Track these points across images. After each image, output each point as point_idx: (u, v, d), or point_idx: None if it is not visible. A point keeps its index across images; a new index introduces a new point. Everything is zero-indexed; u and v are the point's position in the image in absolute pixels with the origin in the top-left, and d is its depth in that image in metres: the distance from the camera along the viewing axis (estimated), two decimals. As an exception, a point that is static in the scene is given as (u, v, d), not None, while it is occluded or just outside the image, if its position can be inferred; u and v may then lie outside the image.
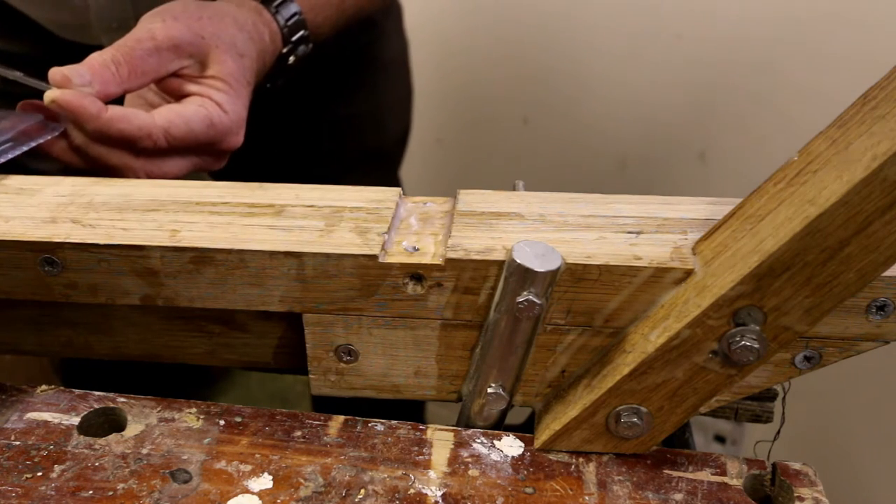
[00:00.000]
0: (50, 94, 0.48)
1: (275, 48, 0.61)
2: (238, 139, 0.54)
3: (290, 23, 0.61)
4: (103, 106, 0.49)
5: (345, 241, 0.39)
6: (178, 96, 0.54)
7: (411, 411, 0.92)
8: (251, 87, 0.57)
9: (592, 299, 0.38)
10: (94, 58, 0.50)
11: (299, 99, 0.78)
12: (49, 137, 0.49)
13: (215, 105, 0.53)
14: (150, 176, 0.52)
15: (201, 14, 0.54)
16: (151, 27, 0.52)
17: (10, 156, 0.47)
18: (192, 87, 0.54)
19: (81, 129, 0.49)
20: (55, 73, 0.49)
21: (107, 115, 0.49)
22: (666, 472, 0.39)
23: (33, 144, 0.48)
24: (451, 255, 0.38)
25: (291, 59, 0.63)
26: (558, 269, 0.36)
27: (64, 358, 0.94)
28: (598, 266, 0.37)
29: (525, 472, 0.39)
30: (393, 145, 0.91)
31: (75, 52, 0.56)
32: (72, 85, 0.49)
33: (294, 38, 0.62)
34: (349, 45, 0.78)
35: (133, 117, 0.50)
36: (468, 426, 0.42)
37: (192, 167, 0.54)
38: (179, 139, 0.51)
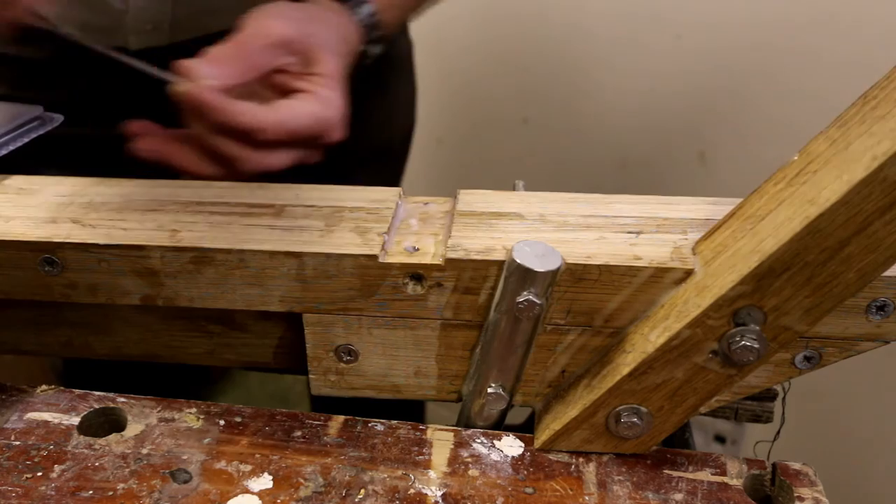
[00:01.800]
0: (179, 86, 0.50)
1: (356, 48, 0.63)
2: (339, 133, 0.57)
3: (367, 23, 0.64)
4: (227, 99, 0.51)
5: (345, 241, 0.39)
6: (285, 91, 0.56)
7: (412, 411, 0.92)
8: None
9: (592, 299, 0.38)
10: (214, 52, 0.53)
11: None
12: (48, 129, 0.49)
13: (322, 101, 0.55)
14: (259, 167, 0.53)
15: (305, 15, 0.58)
16: (265, 24, 0.55)
17: (10, 147, 0.47)
18: (299, 84, 0.56)
19: (203, 120, 0.51)
20: (181, 65, 0.51)
21: (230, 108, 0.51)
22: (666, 472, 0.39)
23: (34, 136, 0.48)
24: (451, 255, 0.38)
25: (367, 59, 0.65)
26: (558, 269, 0.36)
27: (65, 359, 0.94)
28: (598, 266, 0.37)
29: (525, 472, 0.39)
30: (400, 143, 0.92)
31: (83, 54, 0.58)
32: (197, 78, 0.51)
33: (371, 38, 0.65)
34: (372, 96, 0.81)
35: (253, 111, 0.52)
36: (468, 426, 0.42)
37: (295, 159, 0.56)
38: (291, 133, 0.53)
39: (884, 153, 0.30)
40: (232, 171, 0.53)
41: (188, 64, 0.51)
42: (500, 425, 0.42)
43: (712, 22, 1.12)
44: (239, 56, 0.53)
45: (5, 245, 0.40)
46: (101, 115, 0.78)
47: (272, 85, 0.56)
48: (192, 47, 0.71)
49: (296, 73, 0.56)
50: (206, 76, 0.51)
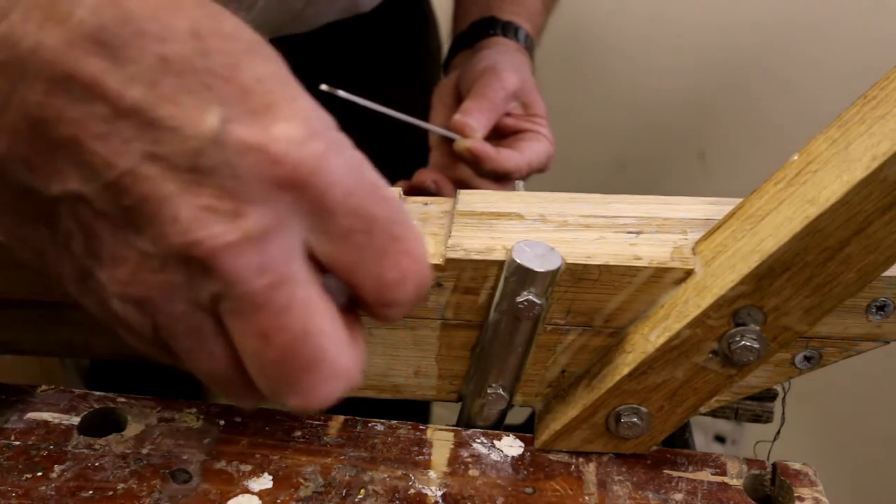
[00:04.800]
0: (463, 143, 0.62)
1: None
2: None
3: (526, 45, 0.73)
4: (495, 149, 0.62)
5: None
6: (510, 131, 0.67)
7: (416, 411, 0.93)
8: None
9: (592, 299, 0.38)
10: (473, 107, 0.63)
11: (363, 88, 0.81)
12: None
13: (549, 140, 0.66)
14: None
15: (518, 62, 0.69)
16: (503, 77, 0.65)
17: None
18: (525, 125, 0.67)
19: (476, 167, 0.62)
20: (458, 123, 0.62)
21: (499, 157, 0.61)
22: (666, 472, 0.39)
23: None
24: (451, 255, 0.38)
25: None
26: (558, 269, 0.36)
27: (92, 360, 0.95)
28: (598, 266, 0.37)
29: (525, 472, 0.39)
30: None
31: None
32: (475, 134, 0.61)
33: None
34: (408, 37, 0.87)
35: (513, 158, 0.63)
36: (468, 426, 0.42)
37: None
38: (532, 171, 0.64)
39: (884, 153, 0.30)
40: None
41: (468, 121, 0.62)
42: (500, 425, 0.42)
43: (712, 22, 1.12)
44: (490, 108, 0.63)
45: (6, 245, 0.40)
46: None
47: (500, 126, 0.66)
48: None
49: (519, 116, 0.67)
50: (476, 130, 0.61)
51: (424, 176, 0.64)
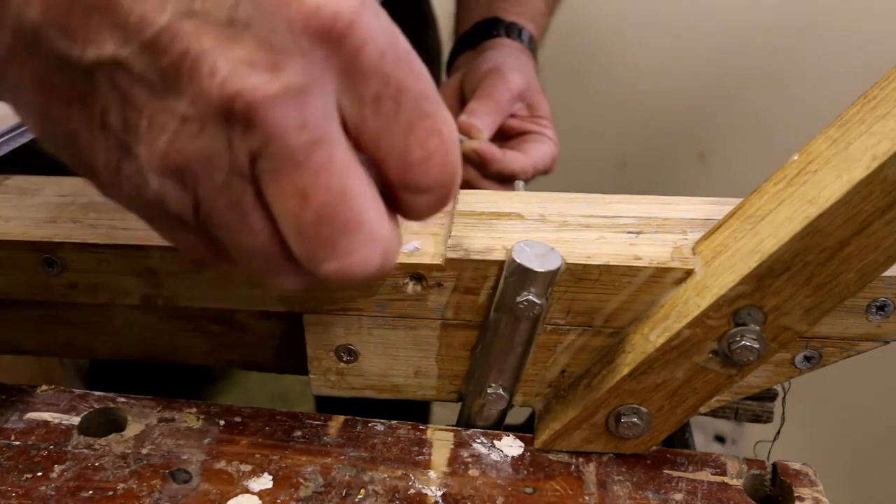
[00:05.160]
0: (469, 144, 0.61)
1: None
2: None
3: (530, 47, 0.73)
4: (500, 150, 0.62)
5: None
6: (515, 133, 0.67)
7: (417, 410, 0.93)
8: None
9: (592, 299, 0.38)
10: (476, 107, 0.63)
11: None
12: None
13: (553, 142, 0.67)
14: None
15: (522, 64, 0.69)
16: (509, 78, 0.65)
17: (11, 147, 0.47)
18: (530, 126, 0.67)
19: (482, 169, 0.62)
20: (464, 124, 0.62)
21: (504, 158, 0.62)
22: (666, 472, 0.39)
23: (34, 136, 0.48)
24: (452, 255, 0.38)
25: None
26: (558, 269, 0.36)
27: (92, 360, 0.95)
28: (598, 266, 0.37)
29: (525, 472, 0.39)
30: None
31: None
32: (481, 135, 0.61)
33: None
34: (407, 37, 0.85)
35: (518, 160, 0.63)
36: (468, 426, 0.42)
37: None
38: (537, 172, 0.64)
39: (884, 153, 0.30)
40: None
41: (474, 122, 0.62)
42: (500, 425, 0.42)
43: (712, 22, 1.12)
44: (496, 110, 0.63)
45: (5, 245, 0.40)
46: None
47: (505, 128, 0.66)
48: None
49: (524, 117, 0.67)
50: (482, 132, 0.61)
51: None
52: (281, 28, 0.23)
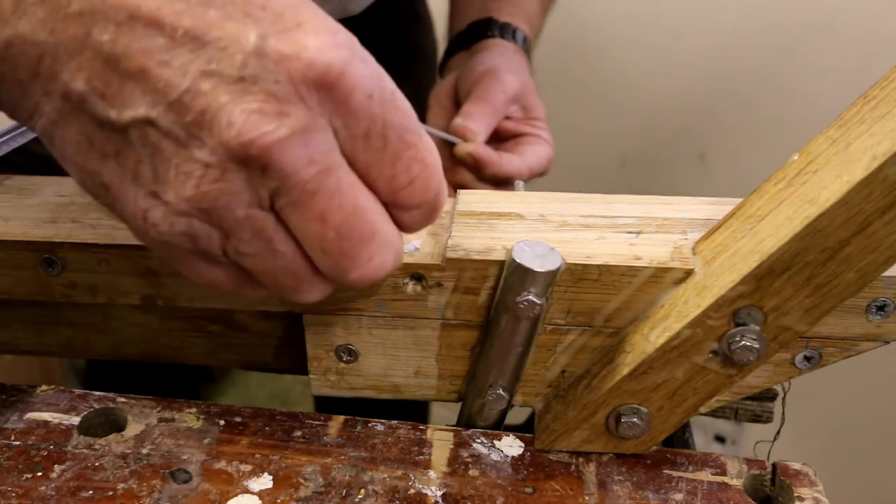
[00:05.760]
0: (465, 148, 0.61)
1: None
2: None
3: (525, 48, 0.73)
4: (496, 153, 0.62)
5: None
6: (510, 135, 0.66)
7: (416, 411, 0.93)
8: None
9: (592, 299, 0.38)
10: (474, 112, 0.62)
11: None
12: None
13: (549, 143, 0.66)
14: None
15: (517, 65, 0.68)
16: (504, 80, 0.65)
17: (10, 147, 0.47)
18: (524, 128, 0.66)
19: (477, 172, 0.62)
20: (460, 127, 0.61)
21: (500, 161, 0.61)
22: (666, 472, 0.39)
23: (33, 136, 0.48)
24: (452, 255, 0.38)
25: None
26: (558, 269, 0.36)
27: (89, 360, 0.95)
28: (598, 266, 0.37)
29: (525, 472, 0.39)
30: None
31: None
32: (476, 138, 0.61)
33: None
34: (400, 37, 0.87)
35: (514, 162, 0.62)
36: (468, 426, 0.42)
37: None
38: (532, 175, 0.64)
39: (884, 153, 0.30)
40: None
41: (463, 125, 0.61)
42: (500, 425, 0.42)
43: (712, 22, 1.12)
44: (491, 113, 0.63)
45: (5, 245, 0.40)
46: None
47: (500, 130, 0.65)
48: None
49: (519, 119, 0.67)
50: (477, 134, 0.61)
51: None
52: (283, 80, 0.27)
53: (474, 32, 0.73)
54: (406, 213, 0.31)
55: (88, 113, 0.28)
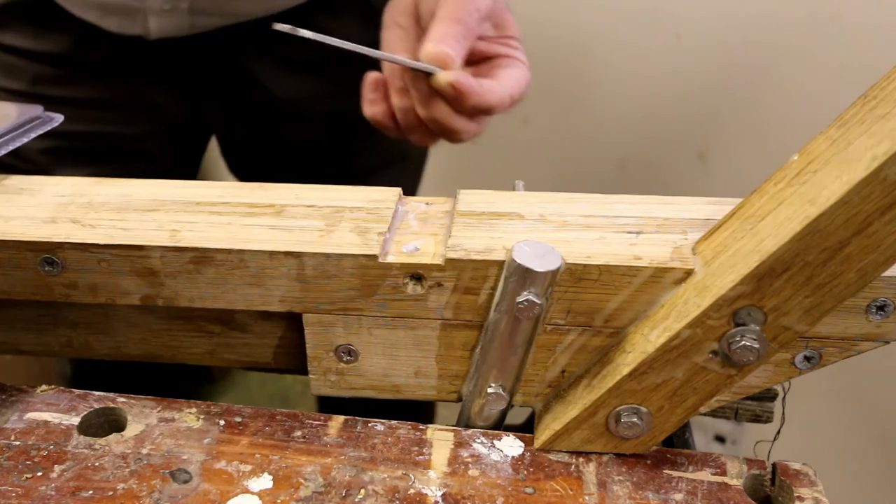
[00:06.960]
0: (445, 77, 0.52)
1: None
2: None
3: None
4: (478, 82, 0.53)
5: (345, 241, 0.39)
6: (483, 57, 0.58)
7: (421, 411, 0.92)
8: None
9: (592, 299, 0.38)
10: (447, 34, 0.54)
11: (337, 95, 0.78)
12: (48, 129, 0.50)
13: (525, 64, 0.58)
14: (473, 136, 0.56)
15: None
16: None
17: (10, 147, 0.47)
18: (498, 49, 0.58)
19: (455, 103, 0.53)
20: (438, 54, 0.52)
21: (481, 90, 0.53)
22: (666, 472, 0.39)
23: (34, 136, 0.49)
24: (451, 255, 0.38)
25: None
26: (558, 269, 0.36)
27: (73, 362, 0.95)
28: (598, 266, 0.37)
29: (525, 472, 0.39)
30: (417, 148, 0.92)
31: (107, 47, 0.66)
32: (455, 65, 0.52)
33: None
34: None
35: (495, 90, 0.54)
36: (468, 426, 0.42)
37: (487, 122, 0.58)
38: (513, 102, 0.56)
39: (884, 153, 0.30)
40: (451, 140, 0.56)
41: (441, 51, 0.52)
42: (500, 425, 0.42)
43: (712, 22, 1.12)
44: (464, 35, 0.54)
45: (5, 245, 0.40)
46: (115, 112, 0.78)
47: (473, 51, 0.57)
48: (213, 40, 0.75)
49: (492, 39, 0.59)
50: (455, 61, 0.52)
51: (374, 110, 0.57)
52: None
53: None
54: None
55: None
